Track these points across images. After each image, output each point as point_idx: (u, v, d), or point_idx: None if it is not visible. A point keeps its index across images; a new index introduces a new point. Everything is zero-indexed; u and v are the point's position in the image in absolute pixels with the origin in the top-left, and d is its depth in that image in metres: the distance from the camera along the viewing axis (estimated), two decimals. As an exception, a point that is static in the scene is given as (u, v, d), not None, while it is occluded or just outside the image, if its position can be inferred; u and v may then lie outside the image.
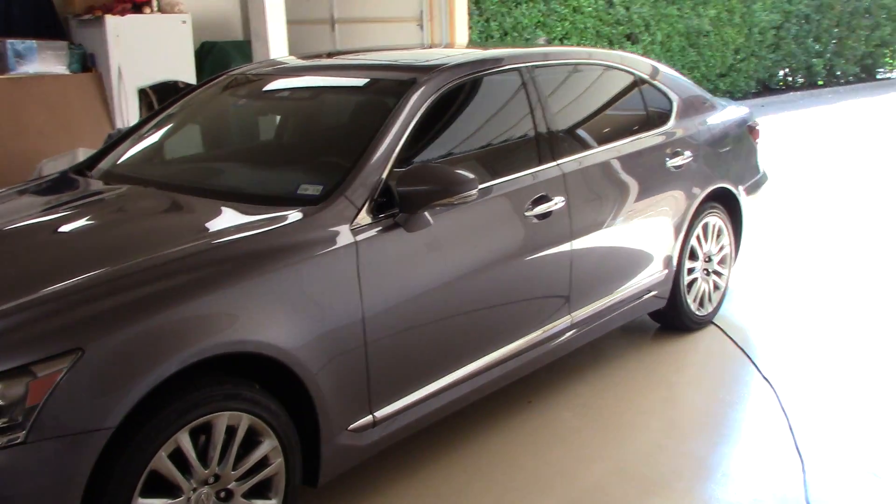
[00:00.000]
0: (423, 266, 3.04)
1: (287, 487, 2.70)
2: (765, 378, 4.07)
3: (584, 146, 3.88)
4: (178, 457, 2.39)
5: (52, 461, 2.13)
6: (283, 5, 7.37)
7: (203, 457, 2.46)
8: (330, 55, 4.46)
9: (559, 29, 12.44)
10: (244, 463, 2.56)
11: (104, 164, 3.73)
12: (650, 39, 13.70)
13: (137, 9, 7.11)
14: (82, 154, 5.09)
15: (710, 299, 4.67)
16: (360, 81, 3.72)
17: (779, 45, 16.14)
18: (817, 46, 16.85)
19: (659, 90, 4.42)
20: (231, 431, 2.51)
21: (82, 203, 3.37)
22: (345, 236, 2.81)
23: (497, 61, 3.68)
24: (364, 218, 2.88)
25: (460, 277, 3.16)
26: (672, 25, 14.00)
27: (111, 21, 6.89)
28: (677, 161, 4.25)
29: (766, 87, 16.52)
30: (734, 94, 15.02)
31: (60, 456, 2.14)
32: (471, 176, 2.97)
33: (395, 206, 2.95)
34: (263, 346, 2.52)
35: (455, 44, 8.36)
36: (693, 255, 4.49)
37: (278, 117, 4.07)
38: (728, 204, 4.68)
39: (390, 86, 3.41)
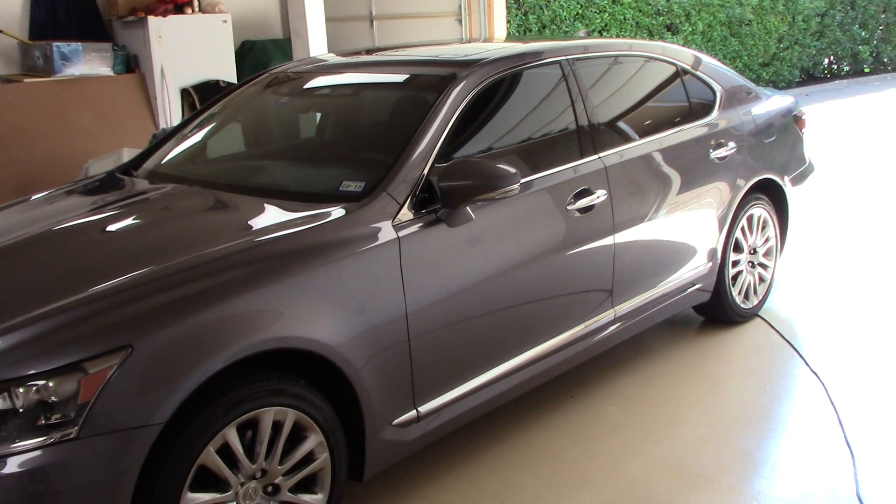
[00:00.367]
0: (465, 261, 3.04)
1: (333, 482, 2.72)
2: (812, 371, 4.01)
3: (626, 139, 3.84)
4: (225, 452, 2.43)
5: (103, 457, 2.17)
6: (322, 3, 7.41)
7: (250, 452, 2.49)
8: (369, 52, 4.47)
9: (598, 21, 12.34)
10: (290, 458, 2.59)
11: (149, 164, 3.79)
12: (691, 29, 13.53)
13: (179, 9, 7.20)
14: (127, 154, 5.16)
15: (755, 292, 4.61)
16: (400, 77, 3.73)
17: (823, 33, 15.83)
18: (863, 33, 16.48)
19: (702, 81, 4.36)
20: (277, 427, 2.54)
21: (129, 202, 3.42)
22: (387, 232, 2.82)
23: (537, 54, 3.66)
24: (406, 214, 2.89)
25: (502, 272, 3.15)
26: (713, 15, 13.81)
27: (153, 22, 6.98)
28: (721, 152, 4.20)
29: (811, 76, 16.22)
30: (777, 84, 14.78)
31: (112, 451, 2.18)
32: (512, 170, 2.96)
33: (437, 202, 2.96)
34: (308, 342, 2.54)
35: (494, 38, 8.35)
36: (738, 248, 4.43)
37: (319, 115, 4.10)
38: (773, 195, 4.61)
39: (430, 81, 3.41)
